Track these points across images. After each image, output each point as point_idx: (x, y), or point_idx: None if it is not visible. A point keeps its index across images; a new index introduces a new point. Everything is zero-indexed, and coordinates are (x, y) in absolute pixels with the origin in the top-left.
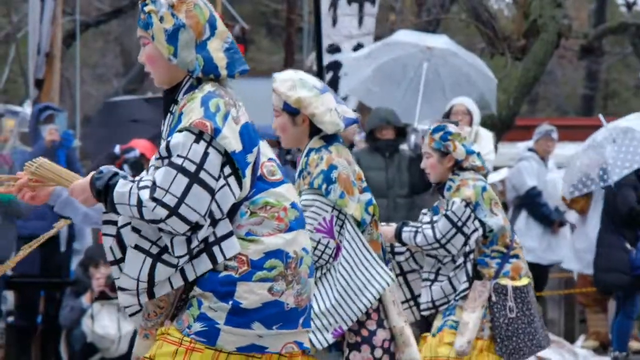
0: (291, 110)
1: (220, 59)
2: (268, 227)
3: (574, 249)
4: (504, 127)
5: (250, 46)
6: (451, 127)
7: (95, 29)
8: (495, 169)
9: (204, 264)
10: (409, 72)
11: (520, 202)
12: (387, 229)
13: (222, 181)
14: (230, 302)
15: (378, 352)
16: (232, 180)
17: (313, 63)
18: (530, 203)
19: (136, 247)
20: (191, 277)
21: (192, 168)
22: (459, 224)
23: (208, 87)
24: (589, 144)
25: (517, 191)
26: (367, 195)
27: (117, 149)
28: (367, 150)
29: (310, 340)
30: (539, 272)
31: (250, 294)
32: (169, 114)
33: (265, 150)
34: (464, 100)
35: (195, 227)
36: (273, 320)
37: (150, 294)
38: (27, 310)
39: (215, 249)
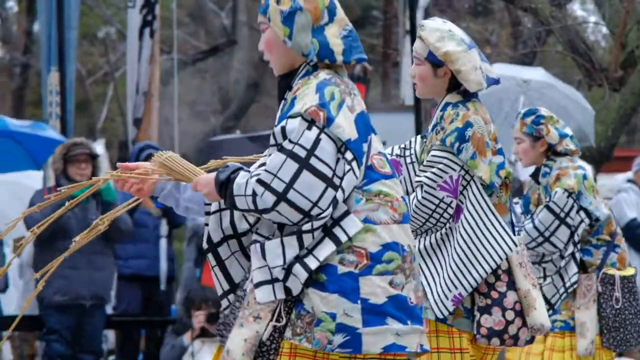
0: (435, 62)
1: (336, 45)
2: (385, 215)
3: None
4: (602, 158)
5: None
6: (543, 111)
7: (193, 67)
8: None
9: (327, 248)
10: (505, 106)
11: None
12: None
13: (347, 166)
14: (359, 301)
15: (510, 315)
16: (354, 165)
17: (406, 97)
18: (631, 235)
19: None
20: (314, 265)
21: (302, 153)
22: (562, 215)
23: (323, 75)
24: None
25: (616, 223)
26: (500, 158)
27: None
28: None
29: (432, 310)
30: None
31: (375, 288)
32: (283, 100)
33: (376, 144)
34: None
35: (311, 218)
36: (402, 315)
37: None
38: (128, 349)
39: (336, 229)
